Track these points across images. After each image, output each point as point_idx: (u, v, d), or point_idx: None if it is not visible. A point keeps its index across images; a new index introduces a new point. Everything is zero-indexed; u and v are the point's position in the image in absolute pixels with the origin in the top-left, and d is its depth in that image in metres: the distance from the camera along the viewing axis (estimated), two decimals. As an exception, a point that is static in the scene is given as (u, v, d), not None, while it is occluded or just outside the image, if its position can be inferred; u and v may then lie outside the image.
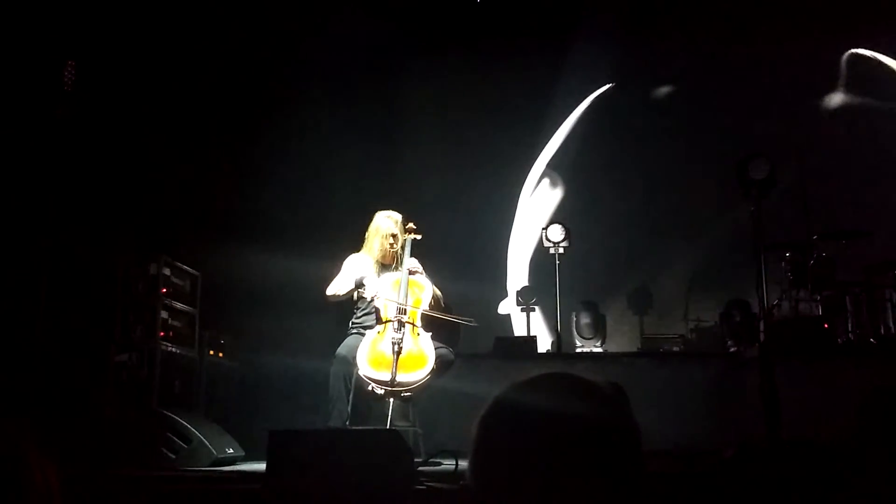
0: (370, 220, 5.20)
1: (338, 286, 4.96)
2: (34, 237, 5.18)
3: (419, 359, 4.70)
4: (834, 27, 8.08)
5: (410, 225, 5.12)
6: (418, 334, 4.79)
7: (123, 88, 6.37)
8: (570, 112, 8.49)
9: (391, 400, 4.65)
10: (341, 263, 5.11)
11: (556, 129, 8.47)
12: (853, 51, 8.29)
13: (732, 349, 6.93)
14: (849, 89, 8.07)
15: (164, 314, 5.43)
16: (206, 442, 4.84)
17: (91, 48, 5.86)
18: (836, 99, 8.01)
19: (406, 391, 4.66)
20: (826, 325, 6.24)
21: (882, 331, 6.37)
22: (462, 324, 5.07)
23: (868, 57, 8.27)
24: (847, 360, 5.72)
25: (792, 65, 8.13)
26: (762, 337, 5.47)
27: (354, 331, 4.99)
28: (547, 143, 8.47)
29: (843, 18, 7.99)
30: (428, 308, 4.91)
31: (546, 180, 8.47)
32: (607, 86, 8.49)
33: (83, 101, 5.29)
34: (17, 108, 5.31)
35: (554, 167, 8.46)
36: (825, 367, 5.58)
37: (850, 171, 7.49)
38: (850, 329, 6.41)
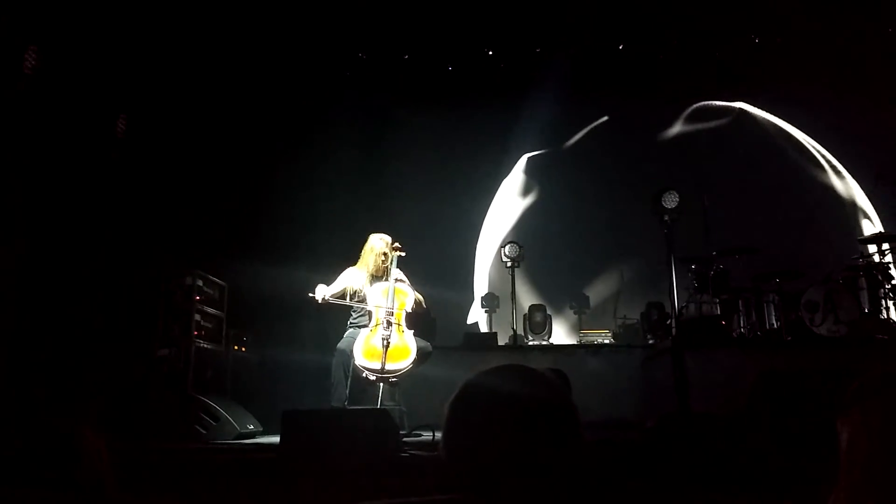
0: (365, 240, 5.21)
1: (330, 290, 4.92)
2: (96, 258, 5.14)
3: (403, 351, 4.69)
4: (724, 86, 8.27)
5: (396, 244, 5.13)
6: (403, 331, 4.79)
7: (164, 138, 6.33)
8: (524, 153, 8.55)
9: (381, 384, 4.64)
10: (339, 273, 5.11)
11: (514, 165, 8.51)
12: (741, 105, 8.45)
13: (651, 341, 6.97)
14: (736, 134, 8.21)
15: (197, 317, 5.37)
16: (231, 420, 4.79)
17: (139, 101, 5.84)
18: (728, 142, 8.11)
19: (393, 377, 4.66)
20: (723, 322, 6.27)
21: (766, 326, 6.43)
22: (436, 322, 5.06)
23: (752, 111, 8.43)
24: (740, 350, 5.77)
25: (693, 116, 8.30)
26: (674, 331, 5.53)
27: (351, 329, 4.97)
28: (506, 176, 8.50)
29: (731, 81, 8.16)
30: (410, 310, 4.91)
31: (505, 207, 8.50)
32: (553, 133, 8.55)
33: (134, 147, 5.26)
34: (75, 155, 5.26)
35: (512, 195, 8.49)
36: (723, 355, 5.60)
37: (741, 201, 7.57)
38: (741, 325, 6.47)
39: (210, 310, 5.61)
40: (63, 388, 4.66)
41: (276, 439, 3.84)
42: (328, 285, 4.91)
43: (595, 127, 8.49)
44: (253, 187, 7.18)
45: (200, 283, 5.51)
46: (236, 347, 6.11)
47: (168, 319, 5.30)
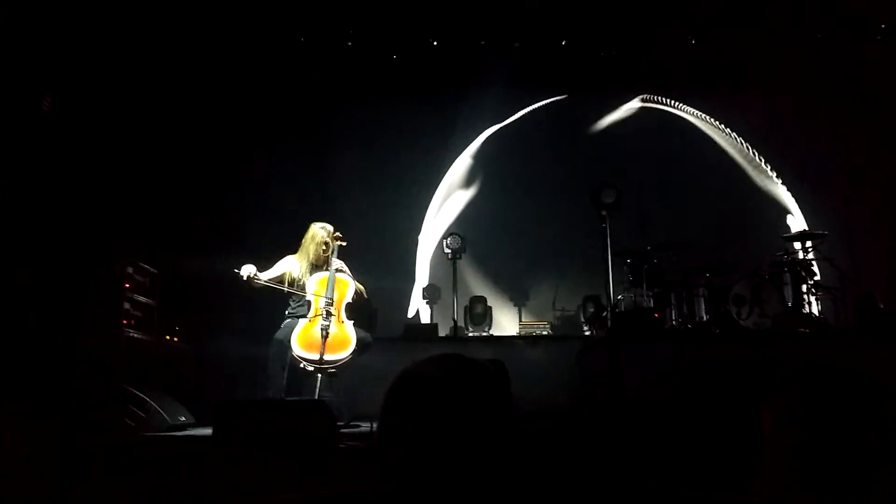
0: (306, 229, 5.11)
1: (265, 274, 4.83)
2: (18, 244, 4.87)
3: (343, 341, 4.64)
4: (661, 85, 8.50)
5: (338, 234, 5.06)
6: (342, 321, 4.73)
7: (96, 119, 6.05)
8: (467, 145, 8.55)
9: (319, 375, 4.57)
10: (277, 260, 5.02)
11: (457, 156, 8.51)
12: (677, 104, 8.69)
13: (587, 333, 7.11)
14: (672, 133, 8.44)
15: (126, 305, 5.15)
16: (161, 411, 4.63)
17: (68, 79, 5.55)
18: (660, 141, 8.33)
19: (332, 368, 4.60)
20: (656, 315, 6.45)
21: (696, 319, 6.65)
22: (377, 312, 5.03)
23: (686, 111, 8.68)
24: (671, 341, 5.93)
25: (631, 113, 8.51)
26: (609, 323, 5.66)
27: (289, 318, 4.88)
28: (448, 168, 8.49)
29: (668, 80, 8.40)
30: (351, 300, 4.85)
31: (448, 199, 8.49)
32: (497, 126, 8.59)
33: (61, 127, 5.00)
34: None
35: (455, 187, 8.49)
36: (655, 346, 5.76)
37: (675, 197, 7.77)
38: (673, 318, 6.67)
39: (141, 298, 5.39)
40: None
41: (208, 431, 3.73)
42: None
43: (538, 121, 8.57)
44: (190, 175, 6.94)
45: (131, 270, 5.29)
46: (168, 337, 5.90)
47: (97, 308, 5.06)
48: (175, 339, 6.03)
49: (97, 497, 3.03)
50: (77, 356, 4.88)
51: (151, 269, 5.66)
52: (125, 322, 5.09)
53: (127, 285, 5.19)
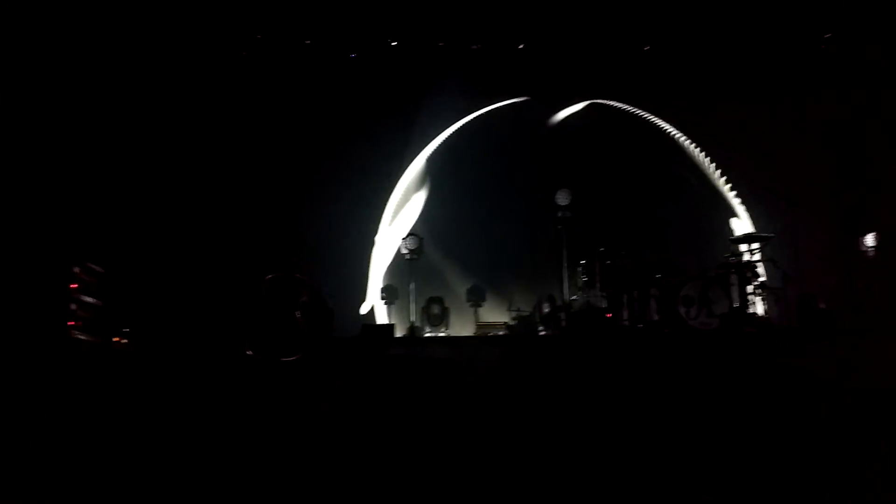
0: (264, 229, 5.03)
1: None
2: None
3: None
4: (618, 90, 8.64)
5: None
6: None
7: (41, 115, 5.84)
8: (425, 146, 8.52)
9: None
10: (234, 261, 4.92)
11: (414, 158, 8.47)
12: (631, 109, 8.84)
13: (543, 332, 7.17)
14: (626, 138, 8.58)
15: (73, 306, 4.97)
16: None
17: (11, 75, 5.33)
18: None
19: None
20: (609, 315, 6.53)
21: (648, 318, 6.75)
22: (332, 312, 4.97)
23: (641, 116, 8.84)
24: (623, 340, 6.00)
25: (587, 118, 8.64)
26: (564, 323, 5.73)
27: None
28: (406, 170, 8.45)
29: (625, 86, 8.55)
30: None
31: (406, 199, 8.45)
32: (455, 127, 8.59)
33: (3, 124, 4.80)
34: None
35: (413, 188, 8.46)
36: (609, 345, 5.81)
37: (628, 201, 7.88)
38: (626, 317, 6.76)
39: (88, 299, 5.21)
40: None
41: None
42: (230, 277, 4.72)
43: (495, 123, 8.60)
44: (143, 174, 6.75)
45: (77, 269, 5.10)
46: (116, 339, 5.72)
47: (40, 308, 4.87)
48: (124, 340, 5.85)
49: None
50: (20, 358, 4.69)
51: (98, 269, 5.48)
52: (71, 323, 4.91)
53: (73, 285, 5.01)
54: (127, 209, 6.58)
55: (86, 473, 2.94)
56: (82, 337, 5.05)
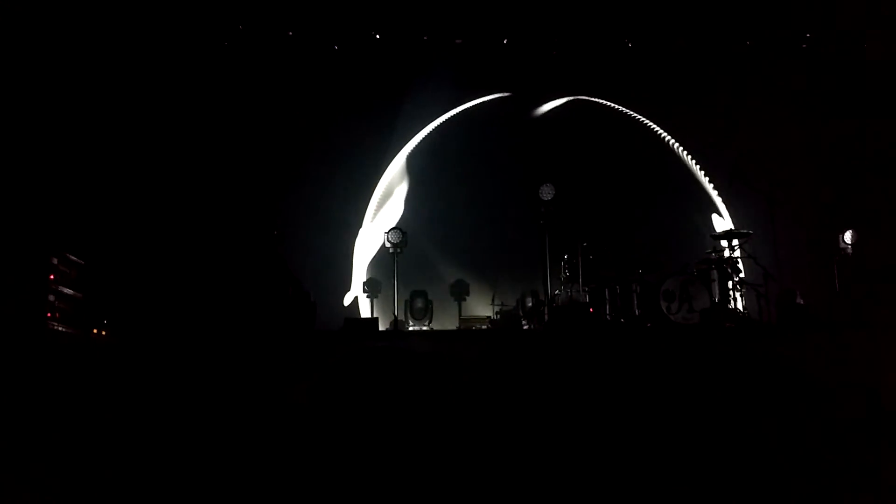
0: (248, 222, 4.99)
1: None
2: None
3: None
4: (601, 86, 8.65)
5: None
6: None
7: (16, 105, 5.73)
8: (409, 141, 8.51)
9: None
10: (218, 259, 4.87)
11: (398, 153, 8.45)
12: (614, 105, 8.88)
13: (526, 326, 7.19)
14: (608, 134, 8.63)
15: (51, 298, 4.90)
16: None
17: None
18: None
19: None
20: (591, 310, 6.57)
21: (629, 313, 6.79)
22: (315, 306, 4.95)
23: (624, 112, 8.88)
24: (605, 334, 6.03)
25: (570, 113, 8.66)
26: (546, 317, 5.75)
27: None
28: (390, 163, 8.42)
29: (607, 82, 8.58)
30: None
31: (389, 193, 8.43)
32: (438, 122, 8.58)
33: None
34: None
35: (396, 182, 8.44)
36: (591, 339, 5.83)
37: (610, 196, 7.95)
38: (608, 312, 6.80)
39: (67, 290, 5.14)
40: None
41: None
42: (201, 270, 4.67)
43: (479, 117, 8.60)
44: (123, 164, 6.66)
45: (55, 261, 5.03)
46: (96, 331, 5.64)
47: (17, 300, 4.79)
48: (104, 332, 5.77)
49: None
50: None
51: (78, 261, 5.40)
52: (49, 315, 4.84)
53: (52, 276, 4.93)
54: (107, 199, 6.49)
55: (66, 467, 2.90)
56: (61, 329, 4.97)
